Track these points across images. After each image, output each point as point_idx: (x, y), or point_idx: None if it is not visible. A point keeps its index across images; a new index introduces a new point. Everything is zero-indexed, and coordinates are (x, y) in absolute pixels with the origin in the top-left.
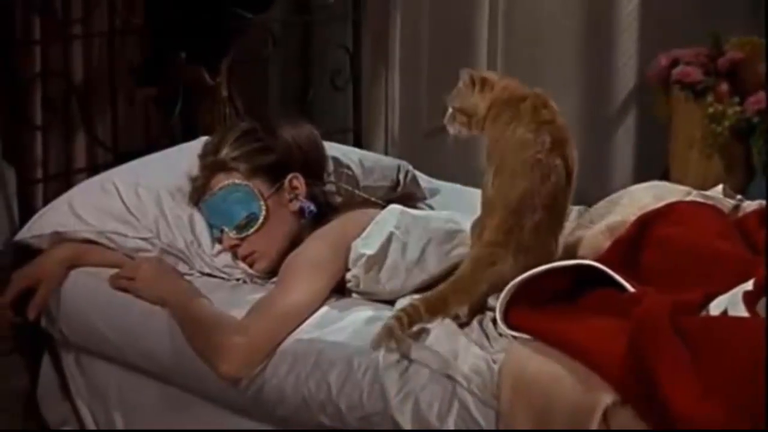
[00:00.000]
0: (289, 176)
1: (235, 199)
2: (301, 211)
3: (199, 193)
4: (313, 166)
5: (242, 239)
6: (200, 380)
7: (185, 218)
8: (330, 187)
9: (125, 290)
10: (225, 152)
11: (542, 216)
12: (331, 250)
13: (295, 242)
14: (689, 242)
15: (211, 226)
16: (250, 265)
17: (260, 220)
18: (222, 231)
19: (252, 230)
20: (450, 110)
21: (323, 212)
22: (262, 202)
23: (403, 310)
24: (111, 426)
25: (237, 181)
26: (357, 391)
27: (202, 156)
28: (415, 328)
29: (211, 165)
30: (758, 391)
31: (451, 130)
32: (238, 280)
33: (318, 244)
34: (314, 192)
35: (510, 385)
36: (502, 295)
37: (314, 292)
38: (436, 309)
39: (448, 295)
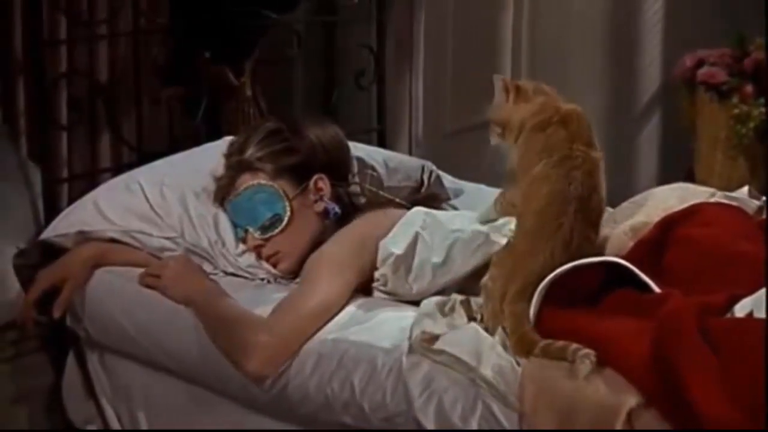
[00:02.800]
0: (315, 177)
1: (259, 199)
2: (325, 212)
3: (223, 192)
4: (338, 167)
5: (266, 240)
6: (224, 379)
7: (209, 218)
8: (354, 188)
9: (152, 288)
10: (250, 152)
11: None
12: (354, 249)
13: (318, 243)
14: (713, 244)
15: (235, 226)
16: (274, 266)
17: (285, 221)
18: (246, 231)
19: (276, 231)
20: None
21: (347, 213)
22: (286, 203)
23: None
24: (135, 425)
25: (262, 181)
26: (380, 392)
27: (228, 156)
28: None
29: (237, 165)
30: None
31: (492, 140)
32: (262, 279)
33: (341, 243)
34: (339, 193)
35: (533, 385)
36: (534, 303)
37: (338, 290)
38: None
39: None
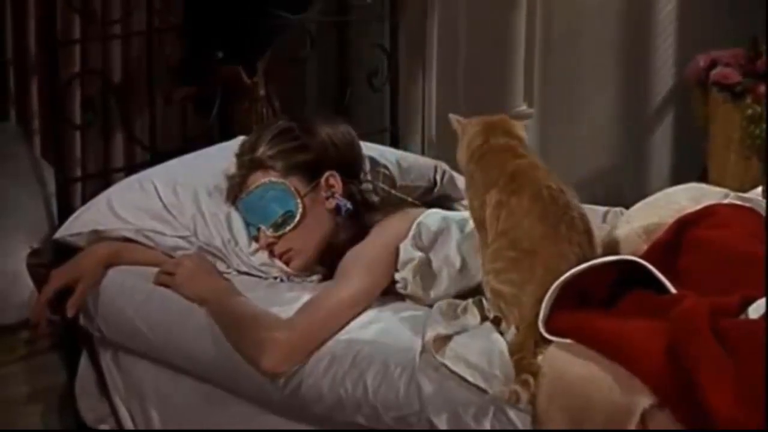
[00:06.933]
0: (326, 174)
1: (271, 197)
2: (337, 209)
3: (236, 191)
4: (350, 165)
5: (279, 237)
6: (237, 378)
7: (222, 216)
8: (367, 186)
9: (166, 286)
10: (262, 150)
11: None
12: (386, 251)
13: (331, 240)
14: (727, 245)
15: (247, 224)
16: (287, 263)
17: (297, 218)
18: (258, 229)
19: (288, 228)
20: None
21: (360, 211)
22: (298, 200)
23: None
24: (148, 424)
25: (274, 179)
26: (393, 391)
27: (239, 154)
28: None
29: (248, 163)
30: None
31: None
32: (275, 278)
33: (374, 243)
34: (351, 190)
35: (546, 386)
36: (545, 303)
37: (363, 291)
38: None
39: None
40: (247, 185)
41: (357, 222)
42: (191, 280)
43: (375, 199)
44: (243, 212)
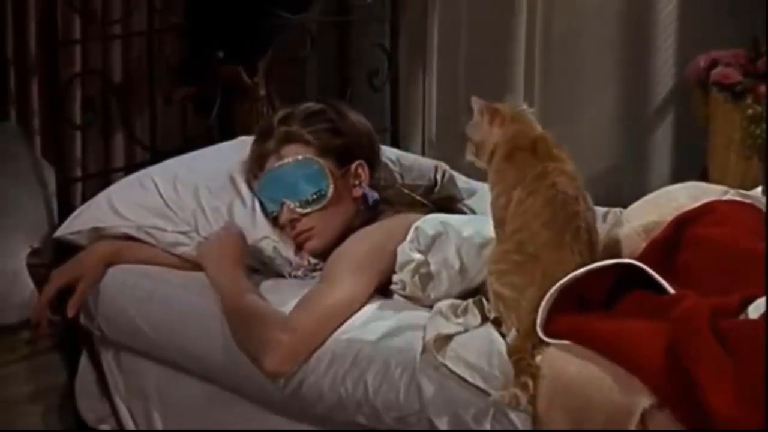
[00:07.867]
0: (356, 163)
1: (306, 174)
2: (363, 198)
3: (262, 161)
4: (374, 157)
5: (305, 214)
6: (238, 378)
7: (224, 209)
8: (379, 180)
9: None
10: (297, 126)
11: None
12: (375, 251)
13: (348, 229)
14: (727, 243)
15: (267, 199)
16: (302, 243)
17: (328, 199)
18: (282, 204)
19: (317, 207)
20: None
21: (380, 202)
22: (331, 182)
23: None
24: (149, 424)
25: (311, 156)
26: (394, 391)
27: (266, 128)
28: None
29: (284, 135)
30: None
31: (467, 157)
32: (277, 274)
33: (363, 244)
34: (374, 183)
35: (546, 387)
36: (542, 307)
37: (358, 291)
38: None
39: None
40: (281, 156)
41: (372, 214)
42: (215, 262)
43: (384, 194)
44: (269, 184)
